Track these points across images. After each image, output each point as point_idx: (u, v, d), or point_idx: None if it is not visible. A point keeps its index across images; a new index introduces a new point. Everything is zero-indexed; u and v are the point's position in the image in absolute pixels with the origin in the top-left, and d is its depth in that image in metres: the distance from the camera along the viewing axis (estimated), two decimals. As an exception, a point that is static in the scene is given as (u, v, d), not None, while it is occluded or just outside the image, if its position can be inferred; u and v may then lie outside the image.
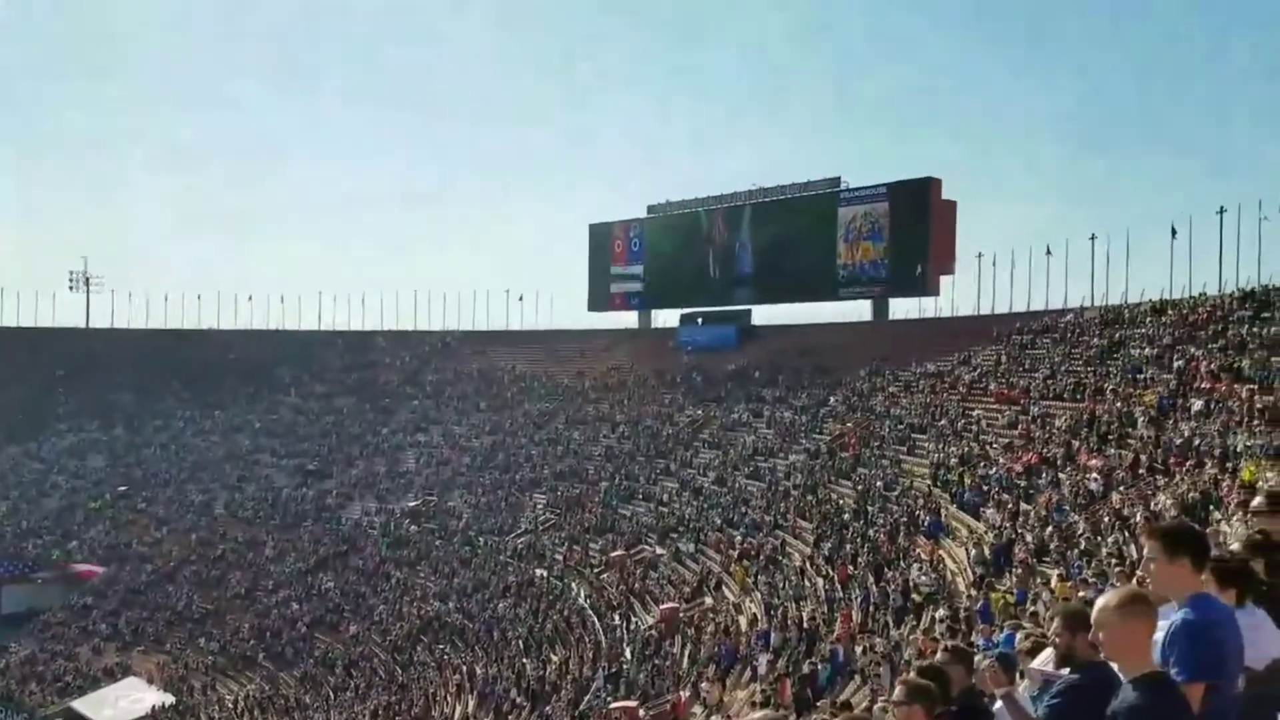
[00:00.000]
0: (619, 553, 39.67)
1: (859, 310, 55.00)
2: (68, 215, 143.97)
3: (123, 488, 59.25)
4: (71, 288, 75.23)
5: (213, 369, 70.92)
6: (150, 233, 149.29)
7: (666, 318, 64.06)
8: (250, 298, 74.99)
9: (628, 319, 66.42)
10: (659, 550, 39.25)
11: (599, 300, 66.75)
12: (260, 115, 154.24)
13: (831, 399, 46.33)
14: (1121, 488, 24.21)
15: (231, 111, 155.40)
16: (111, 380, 70.11)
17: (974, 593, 22.72)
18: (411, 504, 51.81)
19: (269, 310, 74.72)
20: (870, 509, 32.91)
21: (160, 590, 50.90)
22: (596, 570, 39.81)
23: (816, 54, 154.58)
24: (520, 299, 70.58)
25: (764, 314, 58.99)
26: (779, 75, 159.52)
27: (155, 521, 56.27)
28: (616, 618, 34.70)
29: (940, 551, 27.30)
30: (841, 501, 35.44)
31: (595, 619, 35.67)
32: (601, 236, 66.66)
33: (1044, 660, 5.02)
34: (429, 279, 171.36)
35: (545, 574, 41.13)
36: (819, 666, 22.64)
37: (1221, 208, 40.79)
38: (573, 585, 39.44)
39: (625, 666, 29.90)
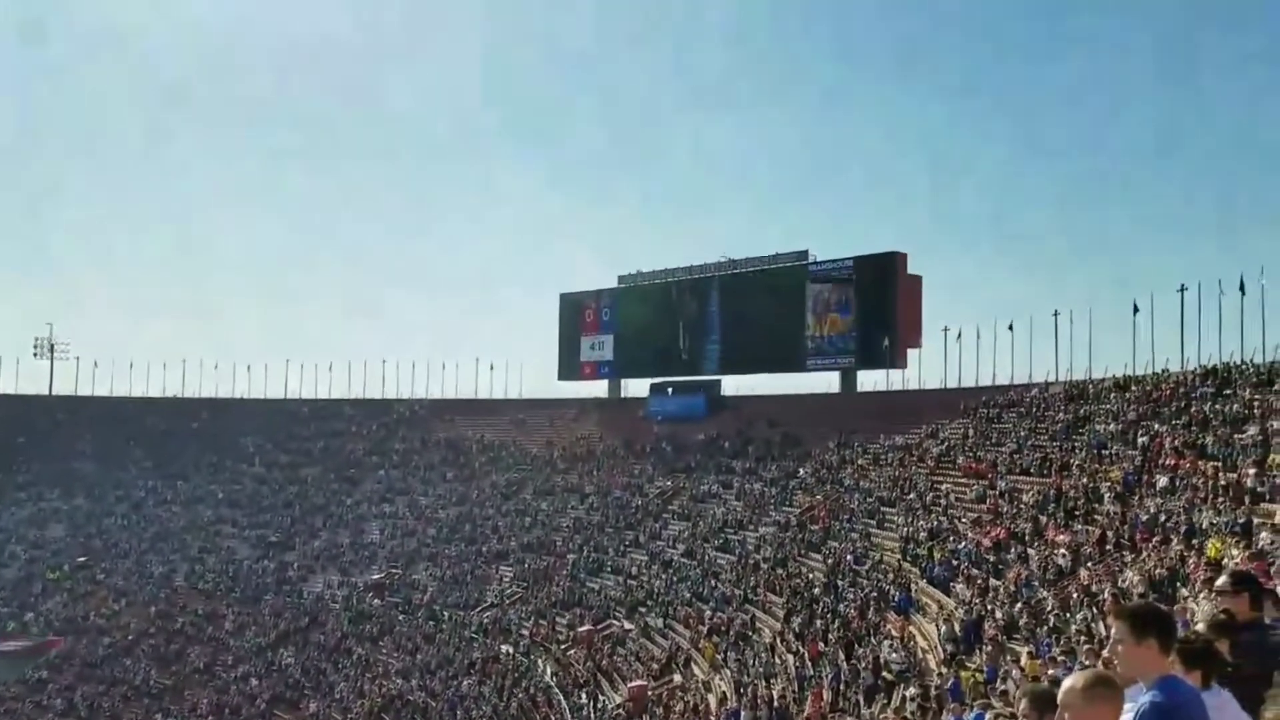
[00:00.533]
0: (586, 628, 39.18)
1: (827, 382, 55.36)
2: (33, 281, 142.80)
3: (82, 558, 57.96)
4: (36, 354, 74.38)
5: (176, 438, 69.87)
6: (115, 299, 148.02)
7: (636, 387, 64.14)
8: (216, 365, 74.38)
9: (598, 388, 66.43)
10: (627, 625, 38.80)
11: (569, 369, 66.74)
12: (226, 182, 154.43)
13: (801, 470, 46.35)
14: (1089, 564, 24.25)
15: (195, 177, 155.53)
16: (73, 449, 68.95)
17: (944, 670, 22.54)
18: (375, 577, 50.99)
19: (234, 378, 74.16)
20: (840, 583, 32.76)
21: (118, 664, 49.58)
22: (563, 646, 39.25)
23: (783, 128, 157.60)
24: (491, 368, 70.55)
25: (733, 384, 59.26)
26: (747, 148, 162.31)
27: (114, 593, 54.99)
28: (584, 696, 34.14)
29: (911, 628, 27.14)
30: (811, 575, 35.27)
31: (562, 697, 35.07)
32: (572, 306, 66.91)
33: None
34: (398, 347, 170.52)
35: (511, 650, 40.48)
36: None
37: (1182, 285, 41.54)
38: (539, 662, 38.82)
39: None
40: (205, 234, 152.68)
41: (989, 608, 24.84)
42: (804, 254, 55.54)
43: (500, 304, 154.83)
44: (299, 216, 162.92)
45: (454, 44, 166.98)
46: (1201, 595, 16.20)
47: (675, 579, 40.87)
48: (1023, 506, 31.31)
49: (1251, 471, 24.49)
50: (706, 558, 41.56)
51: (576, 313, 66.48)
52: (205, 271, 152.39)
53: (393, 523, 56.95)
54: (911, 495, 37.73)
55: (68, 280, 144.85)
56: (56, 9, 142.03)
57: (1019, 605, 23.84)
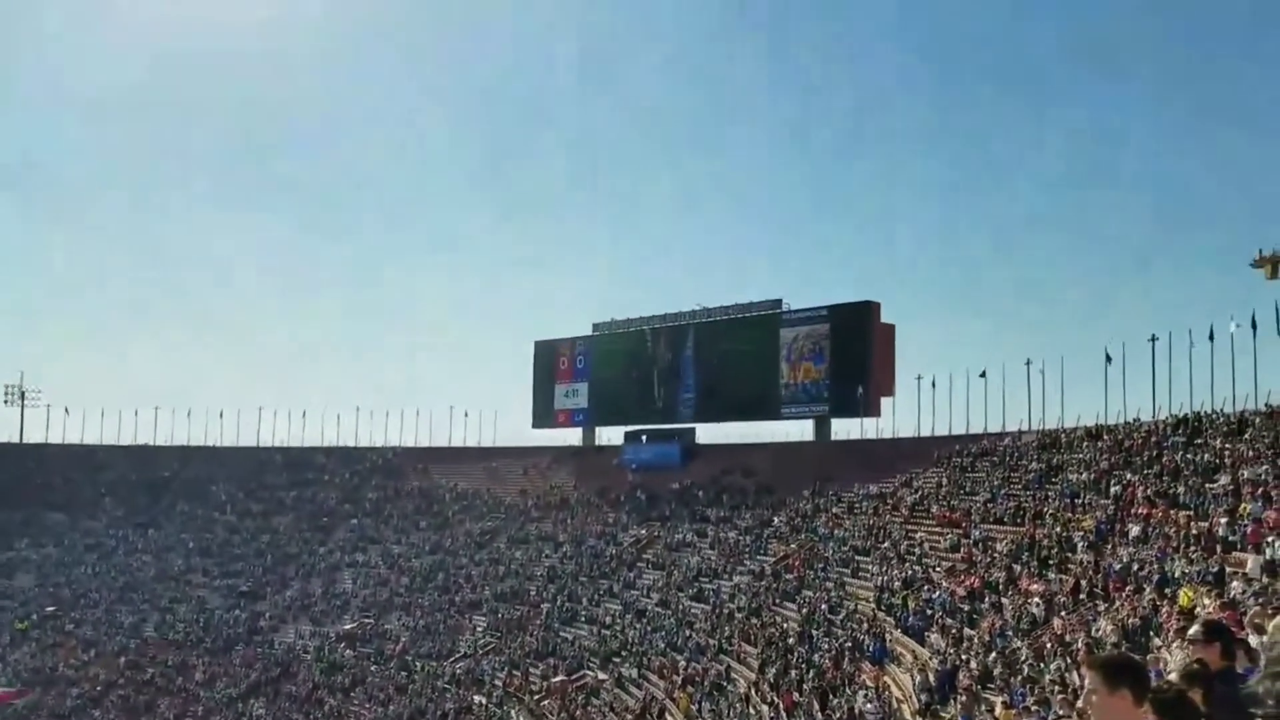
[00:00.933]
0: (560, 678, 38.81)
1: (802, 430, 55.56)
2: (3, 328, 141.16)
3: (51, 608, 56.88)
4: (7, 402, 73.47)
5: (147, 486, 69.05)
6: (88, 347, 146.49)
7: (611, 435, 64.05)
8: (189, 413, 73.62)
9: (572, 436, 66.28)
10: (601, 676, 38.47)
11: (543, 417, 66.67)
12: (201, 230, 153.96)
13: (775, 519, 46.34)
14: (1063, 613, 24.35)
15: (173, 224, 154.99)
16: (43, 497, 67.94)
17: (919, 721, 22.51)
18: (347, 627, 50.38)
19: (207, 426, 73.32)
20: (815, 633, 32.69)
21: (87, 716, 48.60)
22: (537, 697, 38.82)
23: (758, 175, 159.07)
24: (465, 415, 70.30)
25: (708, 432, 59.29)
26: (722, 195, 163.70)
27: (83, 643, 53.91)
28: (557, 747, 33.74)
29: (885, 678, 27.09)
30: (786, 625, 35.19)
31: (536, 748, 34.64)
32: (547, 353, 66.99)
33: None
34: (372, 395, 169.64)
35: (484, 700, 40.00)
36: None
37: (1153, 335, 42.06)
38: (512, 713, 38.40)
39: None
40: (178, 280, 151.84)
41: (963, 657, 24.86)
42: (778, 302, 56.02)
43: (474, 351, 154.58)
44: (271, 262, 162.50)
45: (426, 86, 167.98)
46: (1174, 645, 16.32)
47: (649, 629, 40.64)
48: (996, 555, 31.44)
49: (1223, 521, 24.73)
50: (681, 607, 41.37)
51: (551, 360, 66.56)
52: (177, 318, 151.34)
53: (365, 572, 56.37)
54: (886, 544, 37.79)
55: (39, 327, 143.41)
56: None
57: (993, 655, 23.89)
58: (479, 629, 46.88)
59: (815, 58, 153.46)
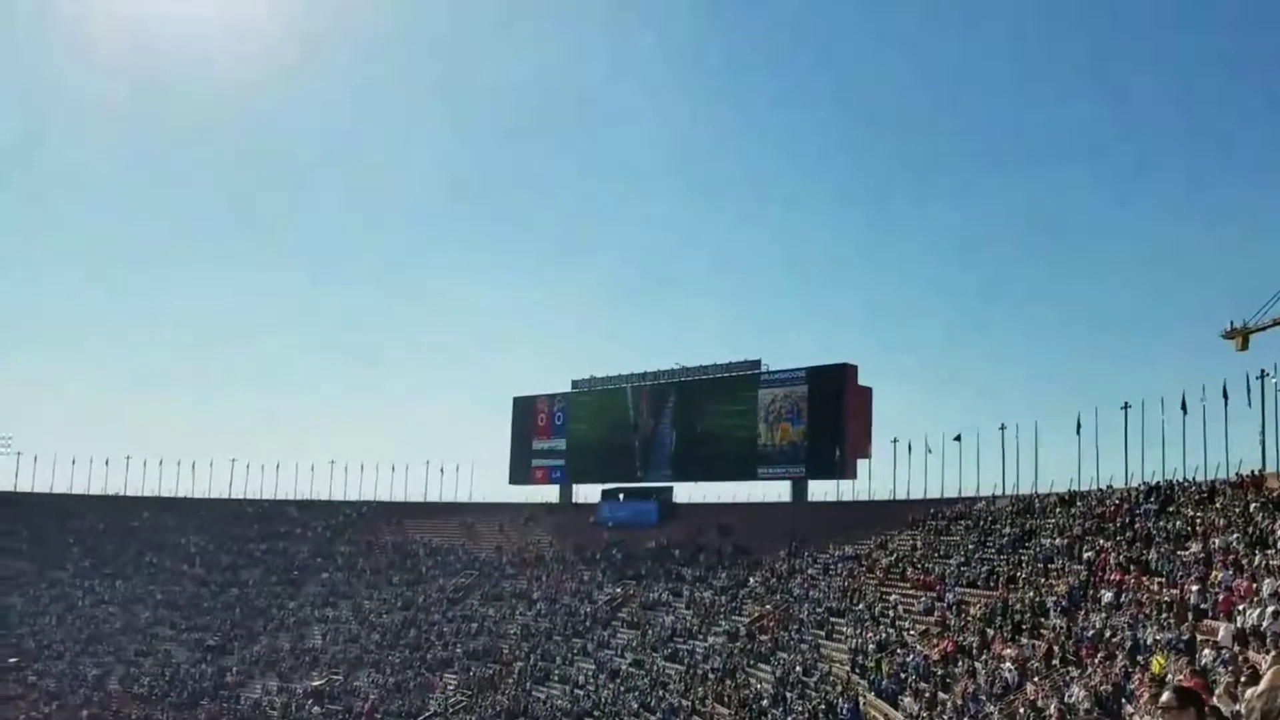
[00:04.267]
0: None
1: (779, 490, 55.65)
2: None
3: (13, 659, 55.72)
4: (-23, 449, 72.40)
5: (115, 536, 68.08)
6: (59, 395, 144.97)
7: (588, 493, 63.90)
8: (161, 463, 72.85)
9: (549, 493, 66.04)
10: (573, 736, 38.02)
11: (520, 473, 66.45)
12: (174, 281, 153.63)
13: (751, 579, 46.28)
14: (1036, 678, 24.39)
15: (143, 275, 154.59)
16: (8, 545, 66.83)
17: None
18: (315, 683, 49.61)
19: (178, 477, 72.51)
20: (789, 695, 32.54)
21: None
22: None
23: (735, 234, 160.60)
24: (441, 471, 69.90)
25: (685, 491, 59.30)
26: (704, 254, 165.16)
27: (46, 695, 52.74)
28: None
29: (859, 742, 26.96)
30: (760, 686, 35.05)
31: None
32: (525, 409, 66.98)
33: None
34: (345, 448, 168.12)
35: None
36: None
37: (1126, 403, 42.54)
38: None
39: None
40: (150, 330, 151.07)
41: (938, 723, 24.81)
42: (756, 363, 56.39)
43: (451, 406, 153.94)
44: (245, 314, 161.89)
45: (410, 138, 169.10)
46: (1146, 711, 16.41)
47: (623, 689, 40.33)
48: (970, 619, 31.50)
49: (1194, 588, 24.91)
50: (655, 667, 41.12)
51: (529, 416, 66.54)
52: (149, 369, 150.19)
53: (335, 628, 55.64)
54: (860, 606, 37.79)
55: (9, 375, 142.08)
56: None
57: (966, 719, 23.85)
58: (450, 687, 46.30)
59: (799, 122, 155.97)
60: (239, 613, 59.30)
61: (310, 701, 48.25)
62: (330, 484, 71.52)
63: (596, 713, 38.96)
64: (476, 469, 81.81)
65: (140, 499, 71.82)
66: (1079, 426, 44.26)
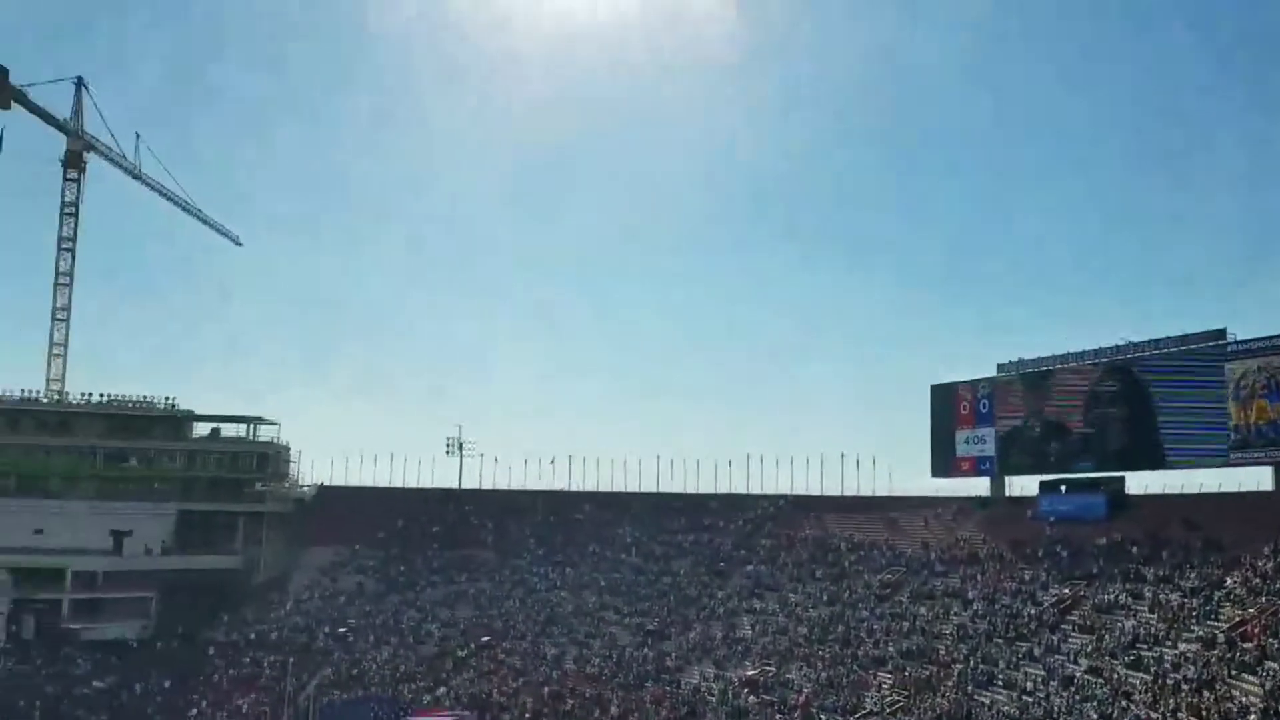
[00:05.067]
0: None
1: (1257, 478, 48.41)
2: (448, 391, 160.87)
3: (486, 638, 61.76)
4: (449, 452, 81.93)
5: (563, 527, 74.62)
6: (516, 402, 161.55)
7: (1023, 485, 59.81)
8: (598, 462, 78.19)
9: (976, 485, 62.55)
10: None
11: (943, 465, 63.53)
12: (623, 295, 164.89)
13: (1228, 580, 41.26)
14: None
15: (593, 290, 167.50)
16: (476, 537, 75.17)
17: None
18: (750, 673, 50.05)
19: (613, 473, 77.58)
20: (1286, 712, 27.72)
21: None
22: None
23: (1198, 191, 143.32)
24: (857, 464, 68.64)
25: (1139, 481, 53.77)
26: (1156, 215, 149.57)
27: (513, 672, 57.66)
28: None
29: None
30: (1246, 700, 30.62)
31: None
32: (945, 398, 63.92)
33: None
34: (760, 442, 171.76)
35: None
36: None
37: None
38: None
39: None
40: (575, 346, 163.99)
41: None
42: (1221, 333, 49.52)
43: (867, 397, 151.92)
44: (681, 316, 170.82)
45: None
46: None
47: (1078, 697, 36.89)
48: None
49: None
50: (1115, 675, 37.17)
51: (950, 404, 63.55)
52: (578, 376, 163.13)
53: (763, 619, 56.10)
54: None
55: (474, 387, 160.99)
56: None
57: None
58: (885, 686, 44.69)
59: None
60: (673, 600, 61.92)
61: (745, 690, 48.65)
62: (748, 478, 72.93)
63: (1049, 721, 35.66)
64: (895, 462, 79.80)
65: (580, 494, 77.68)
66: None
